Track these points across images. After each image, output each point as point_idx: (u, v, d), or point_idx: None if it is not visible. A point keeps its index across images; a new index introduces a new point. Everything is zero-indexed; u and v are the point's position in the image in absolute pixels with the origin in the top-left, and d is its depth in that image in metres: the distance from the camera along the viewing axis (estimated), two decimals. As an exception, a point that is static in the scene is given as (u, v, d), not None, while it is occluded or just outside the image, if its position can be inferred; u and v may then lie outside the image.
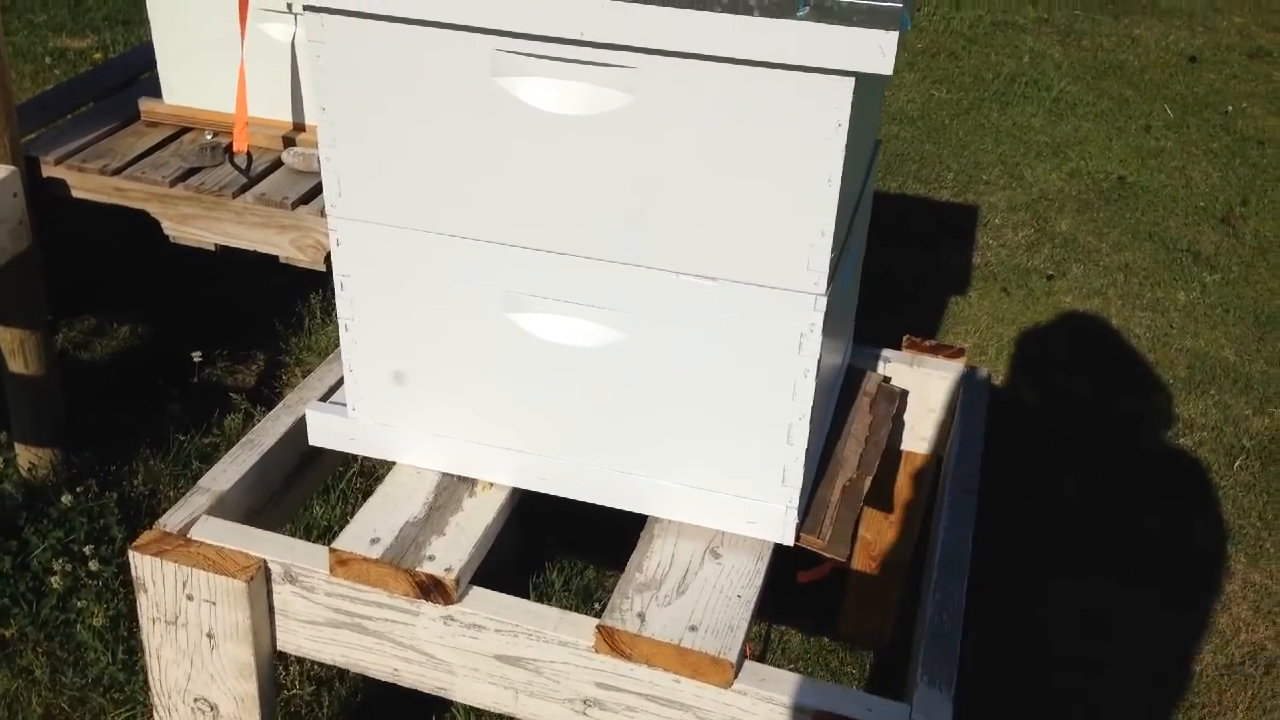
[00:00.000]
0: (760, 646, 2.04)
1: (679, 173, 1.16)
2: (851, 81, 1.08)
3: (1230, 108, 4.32)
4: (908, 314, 2.97)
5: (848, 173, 1.16)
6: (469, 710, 1.85)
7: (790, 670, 1.66)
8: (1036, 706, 1.96)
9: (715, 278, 1.20)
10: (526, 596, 2.06)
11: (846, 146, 1.12)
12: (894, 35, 1.04)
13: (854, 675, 2.01)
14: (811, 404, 1.24)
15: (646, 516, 1.36)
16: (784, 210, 1.15)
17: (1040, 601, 2.18)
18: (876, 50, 1.05)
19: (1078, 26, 5.01)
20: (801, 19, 1.05)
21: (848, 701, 1.17)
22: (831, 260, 1.17)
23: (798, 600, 2.04)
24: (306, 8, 1.19)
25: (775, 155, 1.13)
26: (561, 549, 2.17)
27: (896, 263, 3.17)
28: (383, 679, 1.33)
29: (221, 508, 1.37)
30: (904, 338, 1.74)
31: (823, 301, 1.18)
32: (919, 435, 1.74)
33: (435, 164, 1.23)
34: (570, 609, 1.27)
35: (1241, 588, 2.22)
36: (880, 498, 1.82)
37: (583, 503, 1.36)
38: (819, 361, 1.22)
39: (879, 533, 1.88)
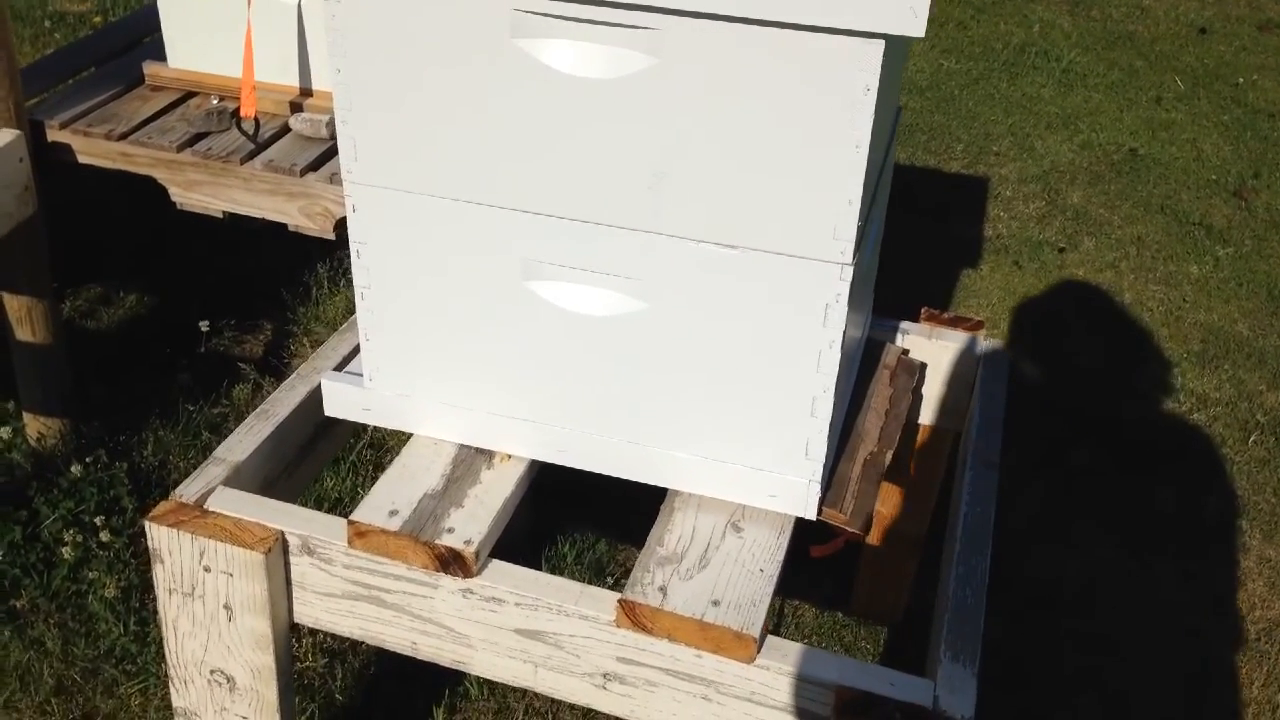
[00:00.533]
0: (775, 620, 2.03)
1: (702, 138, 1.14)
2: (881, 44, 1.06)
3: (1241, 80, 4.28)
4: (919, 286, 2.95)
5: (875, 139, 1.14)
6: (482, 682, 1.84)
7: (805, 644, 1.64)
8: (1050, 681, 1.96)
9: (739, 246, 1.18)
10: (538, 569, 2.05)
11: (875, 111, 1.09)
12: (927, -3, 1.01)
13: (868, 650, 2.00)
14: (836, 376, 1.22)
15: (664, 490, 1.35)
16: (810, 177, 1.13)
17: (1051, 575, 2.17)
18: (908, 11, 1.02)
19: (1088, -4, 4.96)
20: (832, -19, 1.02)
21: (871, 677, 1.16)
22: (858, 229, 1.15)
23: (811, 574, 2.03)
24: (323, -32, 1.17)
25: (802, 120, 1.10)
26: (572, 521, 2.16)
27: (907, 234, 3.15)
28: (401, 652, 1.32)
29: (237, 478, 1.35)
30: (922, 310, 1.72)
31: (849, 271, 1.16)
32: (935, 408, 1.73)
33: (453, 128, 1.21)
34: (583, 582, 1.25)
35: (1257, 564, 2.21)
36: (897, 472, 1.81)
37: (593, 475, 1.35)
38: (844, 333, 1.20)
39: (894, 506, 1.87)
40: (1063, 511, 2.31)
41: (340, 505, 2.14)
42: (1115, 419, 2.56)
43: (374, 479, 2.17)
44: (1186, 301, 2.99)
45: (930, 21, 4.58)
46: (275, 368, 2.51)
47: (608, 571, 2.09)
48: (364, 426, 1.53)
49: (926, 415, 1.74)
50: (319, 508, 2.13)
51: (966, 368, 1.69)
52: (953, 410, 1.72)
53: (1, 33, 1.93)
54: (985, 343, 1.69)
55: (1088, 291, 3.03)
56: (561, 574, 2.05)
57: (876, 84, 1.08)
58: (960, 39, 4.47)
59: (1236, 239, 3.27)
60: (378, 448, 2.28)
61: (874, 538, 1.91)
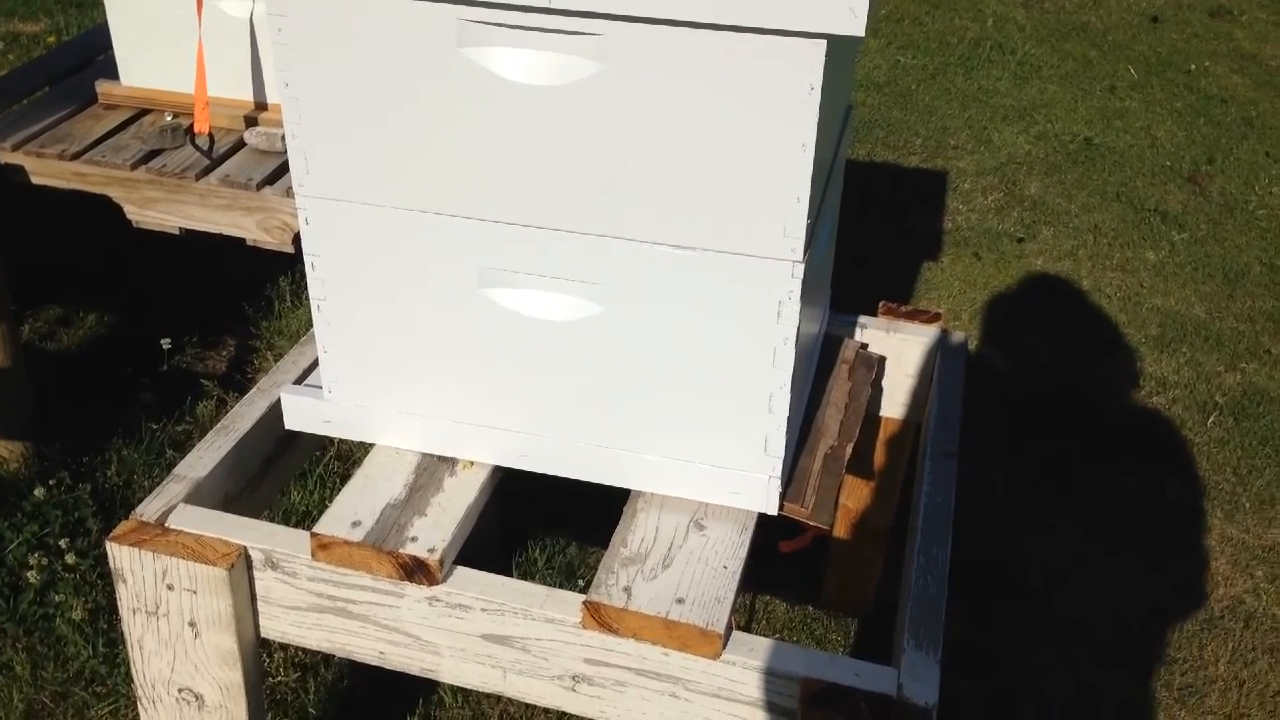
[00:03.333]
0: (745, 617, 2.04)
1: (651, 141, 1.15)
2: (823, 44, 1.07)
3: (1193, 67, 4.34)
4: (880, 280, 2.98)
5: (822, 138, 1.15)
6: (456, 690, 1.84)
7: (776, 639, 1.65)
8: (1019, 668, 1.98)
9: (691, 247, 1.19)
10: (509, 575, 2.06)
11: (820, 110, 1.11)
12: (866, -4, 1.03)
13: (838, 642, 2.02)
14: (792, 372, 1.23)
15: (629, 490, 1.36)
16: (758, 177, 1.14)
17: (1019, 563, 2.19)
18: (847, 11, 1.04)
19: (1041, -12, 5.01)
20: (772, -18, 1.03)
21: (835, 668, 1.18)
22: (808, 227, 1.16)
23: (780, 569, 2.05)
24: (267, -17, 1.17)
25: (748, 121, 1.12)
26: (542, 526, 2.16)
27: (867, 229, 3.17)
28: (369, 663, 1.32)
29: (198, 495, 1.35)
30: (880, 304, 1.74)
31: (800, 269, 1.18)
32: (897, 401, 1.74)
33: (403, 138, 1.21)
34: (554, 586, 1.26)
35: (1219, 542, 2.25)
36: (860, 465, 1.82)
37: (562, 478, 1.35)
38: (798, 329, 1.21)
39: (859, 499, 1.88)
40: (1028, 499, 2.34)
41: (308, 518, 2.14)
42: (1077, 405, 2.59)
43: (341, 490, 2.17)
44: (1144, 287, 3.03)
45: (885, 18, 4.62)
46: (238, 383, 2.50)
47: (579, 574, 2.10)
48: (330, 438, 1.53)
49: (888, 408, 1.76)
50: (287, 521, 2.13)
51: (926, 360, 1.71)
52: (914, 403, 1.74)
53: (-51, 55, 1.91)
54: (941, 334, 1.71)
55: (1047, 280, 3.06)
56: (533, 578, 2.06)
57: (820, 83, 1.09)
58: (916, 34, 4.50)
59: (1192, 224, 3.32)
60: (345, 459, 2.28)
61: (840, 531, 1.93)
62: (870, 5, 1.03)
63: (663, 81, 1.12)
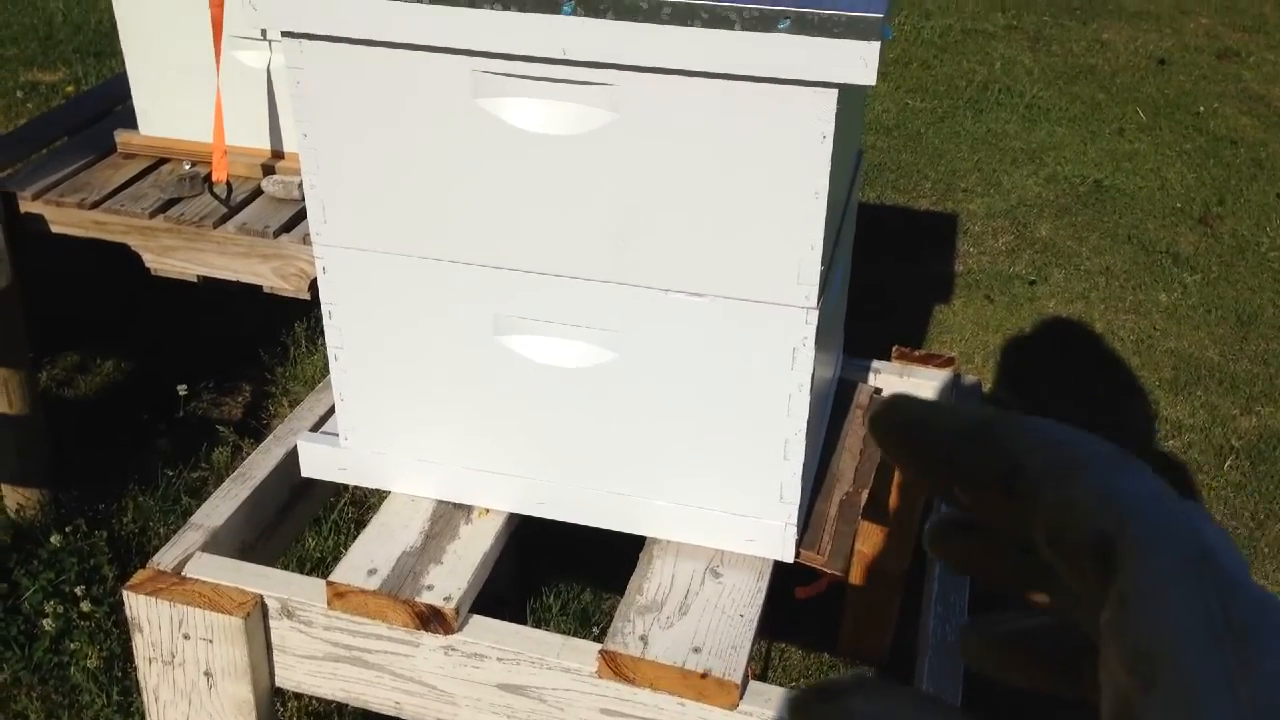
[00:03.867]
0: (761, 664, 2.03)
1: (665, 189, 1.16)
2: (835, 93, 1.08)
3: (1202, 108, 4.35)
4: (892, 324, 2.98)
5: (834, 184, 1.16)
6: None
7: (791, 687, 1.64)
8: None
9: (705, 294, 1.20)
10: (523, 621, 2.05)
11: (832, 158, 1.11)
12: (875, 45, 1.04)
13: (855, 688, 2.00)
14: (807, 419, 1.23)
15: (644, 537, 1.35)
16: (772, 224, 1.15)
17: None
18: (859, 61, 1.05)
19: (1047, 32, 5.05)
20: (783, 32, 1.05)
21: (855, 717, 1.16)
22: (822, 273, 1.17)
23: (796, 616, 2.03)
24: (285, 34, 1.19)
25: (761, 169, 1.12)
26: (556, 572, 2.16)
27: (878, 273, 3.18)
28: (385, 712, 1.32)
29: (215, 544, 1.35)
30: (893, 348, 1.74)
31: (814, 315, 1.18)
32: (912, 445, 1.74)
33: (419, 188, 1.22)
34: (569, 633, 1.26)
35: (1237, 586, 2.22)
36: (876, 510, 1.82)
37: (577, 525, 1.35)
38: (813, 376, 1.21)
39: (874, 544, 1.87)
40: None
41: (323, 565, 2.14)
42: (1092, 448, 2.58)
43: (356, 537, 2.17)
44: (1157, 329, 3.03)
45: (894, 61, 4.66)
46: (254, 429, 2.51)
47: (594, 620, 2.09)
48: (345, 485, 1.54)
49: (902, 452, 1.75)
50: (301, 568, 2.13)
51: (939, 404, 1.70)
52: (928, 447, 1.73)
53: (-28, 107, 1.94)
54: (956, 378, 1.71)
55: (1059, 323, 3.06)
56: (547, 625, 2.05)
57: (832, 131, 1.10)
58: (924, 78, 4.54)
59: (1204, 266, 3.32)
60: (359, 505, 2.28)
61: (856, 577, 1.92)
62: (881, 54, 1.04)
63: (676, 130, 1.13)
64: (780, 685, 1.21)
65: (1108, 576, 0.29)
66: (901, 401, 0.35)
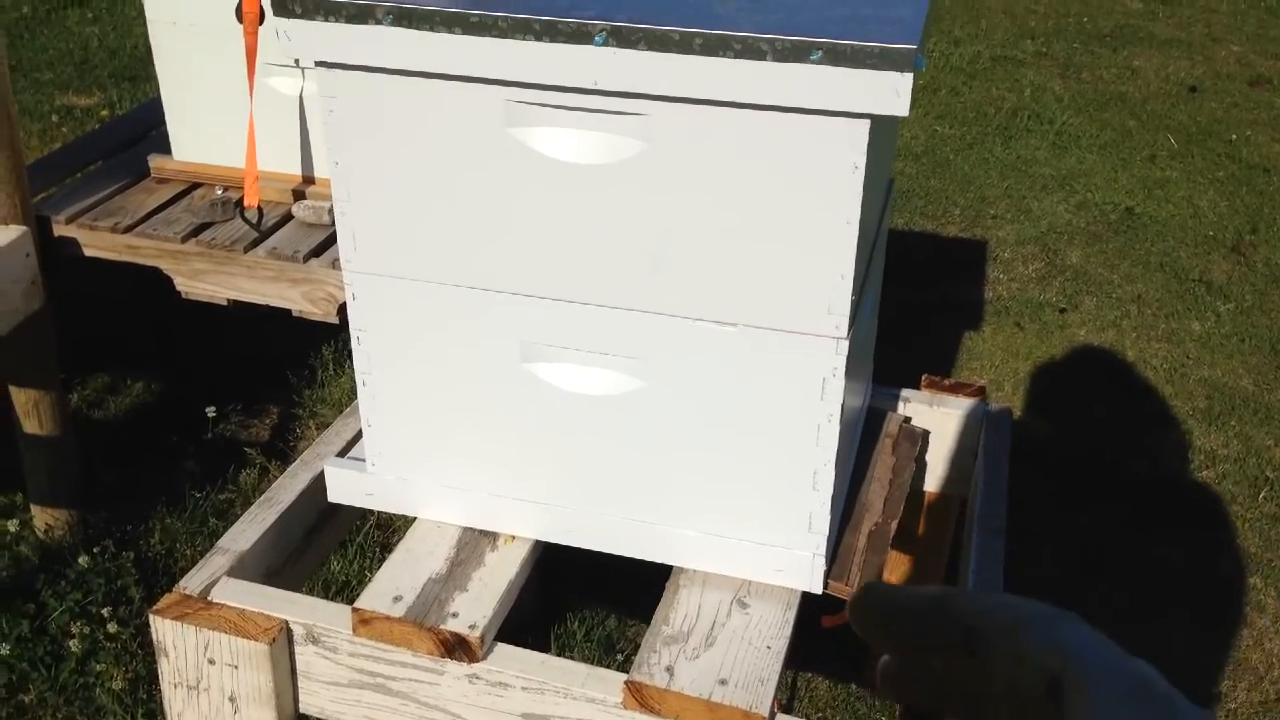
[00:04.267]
0: (787, 694, 2.01)
1: (695, 219, 1.16)
2: (867, 123, 1.08)
3: (1234, 136, 4.32)
4: (921, 351, 2.96)
5: (865, 214, 1.15)
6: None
7: (819, 719, 1.62)
8: None
9: (735, 323, 1.19)
10: (548, 648, 2.04)
11: (864, 188, 1.11)
12: (909, 76, 1.03)
13: (882, 720, 1.98)
14: (836, 449, 1.22)
15: (671, 566, 1.34)
16: (803, 254, 1.14)
17: (1068, 640, 2.14)
18: (891, 92, 1.04)
19: (1077, 59, 5.03)
20: (815, 63, 1.04)
21: (883, 752, 1.15)
22: (852, 303, 1.16)
23: (823, 646, 2.01)
24: (319, 63, 1.19)
25: (792, 199, 1.12)
26: (581, 597, 2.15)
27: (907, 299, 3.16)
28: (407, 739, 1.31)
29: (241, 568, 1.35)
30: (923, 377, 1.72)
31: (845, 345, 1.17)
32: (940, 475, 1.73)
33: (450, 216, 1.23)
34: (592, 660, 1.25)
35: (1274, 622, 2.19)
36: (904, 540, 1.80)
37: (603, 552, 1.35)
38: (842, 406, 1.21)
39: (903, 576, 1.86)
40: (1073, 574, 2.29)
41: (348, 588, 2.13)
42: (1123, 479, 2.55)
43: (381, 560, 2.17)
44: (1190, 358, 3.00)
45: (923, 88, 4.65)
46: (282, 451, 2.52)
47: (618, 648, 2.08)
48: (372, 510, 1.54)
49: (932, 483, 1.74)
50: (326, 591, 2.13)
51: (970, 433, 1.69)
52: (958, 477, 1.72)
53: (9, 131, 1.97)
54: (987, 408, 1.69)
55: (1090, 351, 3.03)
56: (571, 652, 2.04)
57: (864, 162, 1.09)
58: (953, 105, 4.53)
59: (1237, 294, 3.28)
60: (385, 528, 2.28)
61: (884, 607, 1.90)
62: (914, 84, 1.04)
63: (707, 160, 1.13)
64: (807, 718, 1.19)
65: (1060, 714, 0.34)
66: (872, 590, 0.42)
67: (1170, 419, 2.77)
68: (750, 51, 1.05)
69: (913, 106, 1.06)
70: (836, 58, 1.04)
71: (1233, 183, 3.95)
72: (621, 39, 1.08)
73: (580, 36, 1.08)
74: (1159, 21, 5.49)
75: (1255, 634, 2.16)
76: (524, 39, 1.10)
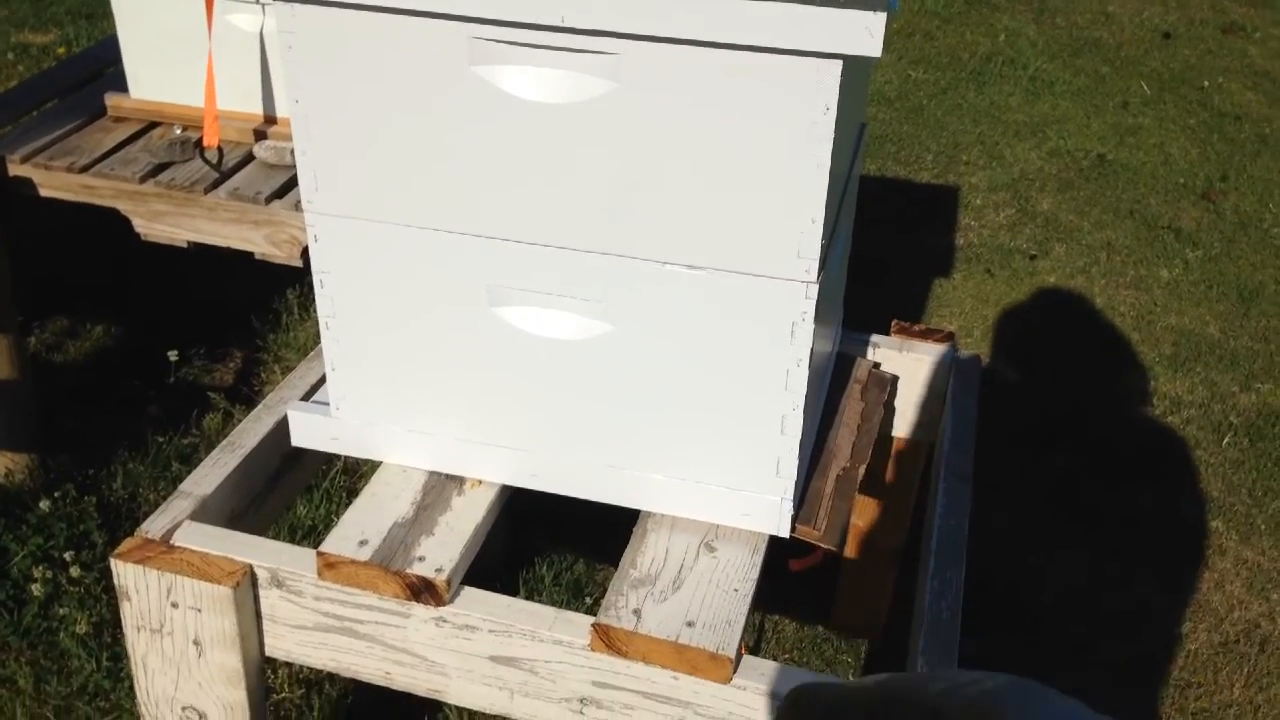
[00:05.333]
0: (755, 636, 2.03)
1: (664, 160, 1.14)
2: (839, 64, 1.06)
3: (1206, 83, 4.32)
4: (891, 297, 2.96)
5: (837, 157, 1.14)
6: (462, 711, 1.83)
7: (785, 660, 1.63)
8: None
9: (703, 267, 1.18)
10: (516, 592, 2.04)
11: (835, 131, 1.09)
12: (882, 16, 1.01)
13: (849, 664, 2.00)
14: (805, 394, 1.21)
15: (639, 510, 1.34)
16: (772, 197, 1.12)
17: (1030, 583, 2.17)
18: (864, 31, 1.02)
19: (1052, 4, 5.00)
20: (788, 1, 1.02)
21: (848, 694, 1.16)
22: (822, 247, 1.15)
23: (791, 588, 2.03)
24: (278, -2, 1.16)
25: (762, 141, 1.10)
26: (549, 543, 2.15)
27: (878, 246, 3.16)
28: (375, 683, 1.31)
29: (204, 512, 1.34)
30: (892, 322, 1.72)
31: (814, 290, 1.16)
32: (909, 420, 1.73)
33: (413, 156, 1.20)
34: (561, 604, 1.25)
35: (1234, 565, 2.22)
36: (872, 485, 1.81)
37: (570, 497, 1.34)
38: (811, 351, 1.20)
39: (870, 519, 1.87)
40: (1041, 519, 2.32)
41: (314, 534, 2.12)
42: (1090, 424, 2.57)
43: (347, 505, 2.16)
44: (1157, 305, 3.01)
45: (897, 32, 4.61)
46: (246, 396, 2.49)
47: (586, 592, 2.08)
48: (338, 454, 1.52)
49: (901, 428, 1.74)
50: (292, 537, 2.12)
51: (939, 379, 1.69)
52: (926, 422, 1.72)
53: (-40, 67, 1.91)
54: (955, 354, 1.69)
55: (1060, 297, 3.04)
56: (540, 596, 2.04)
57: (836, 103, 1.08)
58: (927, 49, 4.49)
59: (1205, 242, 3.30)
60: (352, 474, 2.27)
61: (852, 551, 1.91)
62: (888, 25, 1.02)
63: (677, 101, 1.10)
64: (774, 659, 1.20)
65: None
66: (805, 693, 0.39)
67: (1137, 365, 2.79)
68: (721, -13, 1.03)
69: (887, 49, 1.04)
70: (809, -5, 1.01)
71: (1204, 130, 3.96)
72: (589, -27, 1.05)
73: (547, -30, 1.06)
74: (1134, -34, 5.46)
75: (1216, 576, 2.19)
76: (489, -28, 1.07)
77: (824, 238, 1.15)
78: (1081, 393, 2.67)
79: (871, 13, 1.01)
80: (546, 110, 1.14)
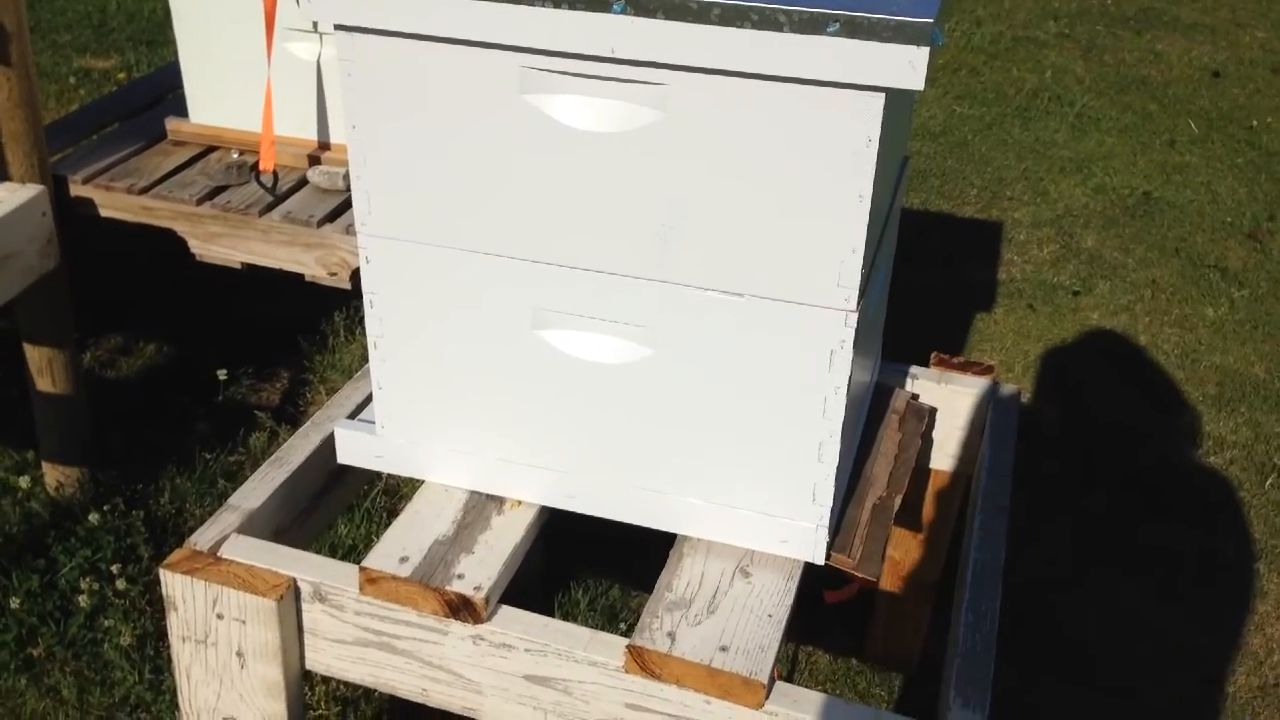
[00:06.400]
0: (788, 667, 2.02)
1: (708, 189, 1.16)
2: (882, 97, 1.08)
3: (1255, 122, 4.29)
4: (934, 330, 2.96)
5: (878, 188, 1.15)
6: (495, 730, 1.84)
7: (819, 691, 1.63)
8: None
9: (744, 294, 1.19)
10: (551, 615, 2.05)
11: (877, 162, 1.11)
12: (925, 51, 1.03)
13: (882, 696, 1.99)
14: (842, 422, 1.23)
15: (675, 535, 1.35)
16: (814, 226, 1.14)
17: (1069, 621, 2.15)
18: (907, 65, 1.04)
19: (1100, 42, 4.99)
20: (831, 35, 1.04)
21: (881, 723, 1.16)
22: (862, 276, 1.16)
23: (825, 620, 2.03)
24: (338, 27, 1.20)
25: (805, 171, 1.12)
26: (585, 567, 2.16)
27: (922, 279, 3.16)
28: (411, 699, 1.32)
29: (251, 526, 1.36)
30: (932, 354, 1.73)
31: (854, 318, 1.18)
32: (947, 453, 1.73)
33: (464, 181, 1.23)
34: (595, 628, 1.26)
35: (1275, 607, 2.19)
36: (909, 516, 1.81)
37: (606, 520, 1.36)
38: (849, 379, 1.21)
39: (907, 552, 1.86)
40: (1080, 556, 2.30)
41: (354, 552, 2.15)
42: (1132, 462, 2.55)
43: (387, 525, 2.19)
44: (1202, 344, 2.99)
45: (943, 68, 4.62)
46: (291, 415, 2.53)
47: (620, 617, 2.09)
48: (378, 473, 1.54)
49: (939, 460, 1.74)
50: (333, 555, 2.14)
51: (978, 412, 1.69)
52: (965, 456, 1.73)
53: (27, 90, 1.98)
54: (994, 387, 1.69)
55: (1103, 335, 3.02)
56: (574, 619, 2.05)
57: (878, 135, 1.09)
58: (973, 85, 4.50)
59: (1252, 281, 3.27)
60: (392, 494, 2.30)
61: (888, 583, 1.91)
62: (931, 59, 1.04)
63: (722, 130, 1.13)
64: (807, 688, 1.20)
65: None
66: None
67: (1181, 404, 2.76)
68: (767, 22, 1.05)
69: (932, 84, 1.06)
70: (853, 30, 1.04)
71: (1252, 169, 3.93)
72: (639, 7, 1.08)
73: (598, 4, 1.09)
74: (1183, 5, 5.44)
75: (1257, 620, 2.17)
76: (542, 5, 1.10)
77: (864, 267, 1.16)
78: (1124, 431, 2.65)
79: (915, 47, 1.03)
80: (594, 138, 1.17)
